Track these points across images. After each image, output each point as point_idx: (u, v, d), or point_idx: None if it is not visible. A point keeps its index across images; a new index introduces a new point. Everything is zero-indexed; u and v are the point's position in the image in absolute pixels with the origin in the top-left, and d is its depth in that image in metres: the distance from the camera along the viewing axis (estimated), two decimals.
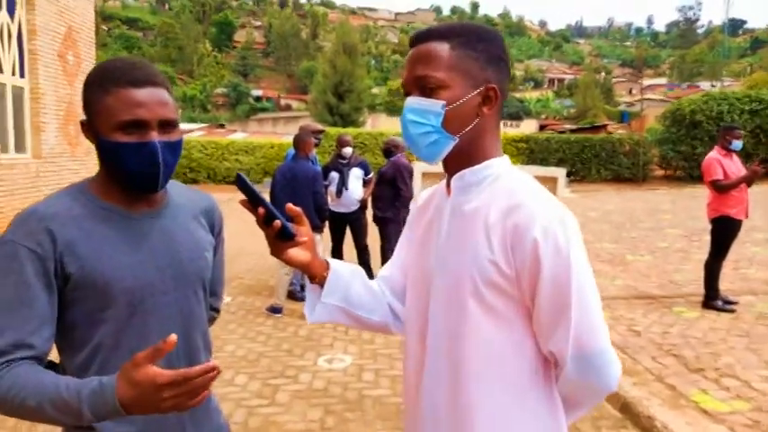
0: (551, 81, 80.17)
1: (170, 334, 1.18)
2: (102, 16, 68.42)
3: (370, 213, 6.34)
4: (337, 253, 6.53)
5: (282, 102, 64.31)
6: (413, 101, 1.12)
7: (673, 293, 5.97)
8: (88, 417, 0.98)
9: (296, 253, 1.17)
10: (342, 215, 6.36)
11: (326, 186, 6.13)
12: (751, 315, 5.16)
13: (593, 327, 1.06)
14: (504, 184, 1.13)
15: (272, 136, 26.37)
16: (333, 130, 20.00)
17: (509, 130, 31.81)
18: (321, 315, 1.25)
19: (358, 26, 71.50)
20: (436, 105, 1.10)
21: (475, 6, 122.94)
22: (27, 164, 8.18)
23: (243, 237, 7.81)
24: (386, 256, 6.03)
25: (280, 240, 1.15)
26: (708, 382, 3.76)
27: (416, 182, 14.35)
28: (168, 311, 1.22)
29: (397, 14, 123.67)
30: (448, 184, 1.21)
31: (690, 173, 20.32)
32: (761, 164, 8.67)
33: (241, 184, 1.11)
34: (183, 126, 33.82)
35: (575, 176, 21.00)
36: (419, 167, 14.72)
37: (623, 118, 42.45)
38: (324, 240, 5.95)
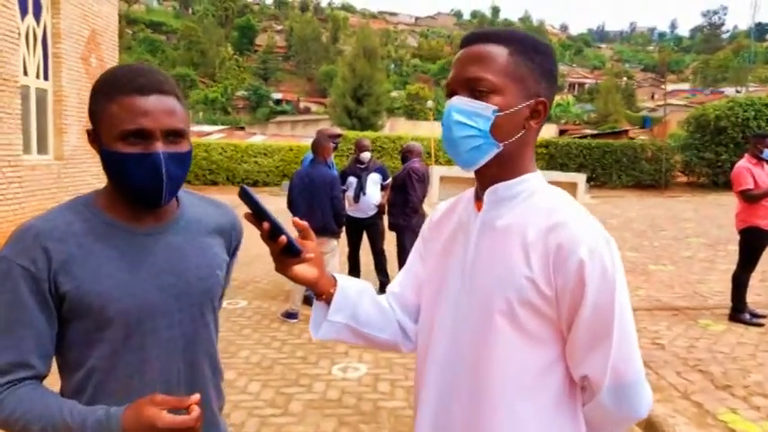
0: (572, 85, 79.49)
1: (170, 357, 1.14)
2: (127, 20, 69.57)
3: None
4: (354, 258, 6.48)
5: (302, 105, 64.65)
6: (460, 101, 1.07)
7: (698, 305, 5.80)
8: None
9: (302, 269, 1.13)
10: (359, 220, 6.31)
11: (344, 191, 6.09)
12: None
13: (631, 354, 1.04)
14: (542, 200, 1.09)
15: (291, 139, 26.48)
16: (351, 134, 20.00)
17: None
18: (327, 333, 1.20)
19: (378, 30, 71.60)
20: (487, 109, 1.05)
21: (496, 11, 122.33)
22: (49, 165, 8.28)
23: (260, 239, 7.77)
24: (402, 264, 5.95)
25: (285, 256, 1.10)
26: (736, 400, 3.62)
27: (434, 187, 14.29)
28: (169, 334, 1.15)
29: (417, 19, 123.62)
30: (477, 197, 1.15)
31: (714, 180, 19.91)
32: None
33: (246, 197, 1.06)
34: (204, 128, 34.23)
35: (595, 182, 20.73)
36: (438, 171, 14.62)
37: (645, 123, 41.87)
38: (340, 245, 5.89)
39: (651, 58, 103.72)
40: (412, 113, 44.07)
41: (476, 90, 1.05)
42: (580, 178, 17.17)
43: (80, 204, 1.15)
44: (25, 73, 7.77)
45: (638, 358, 1.05)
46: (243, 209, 1.08)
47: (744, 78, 53.73)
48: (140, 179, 1.07)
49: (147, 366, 1.13)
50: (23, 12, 7.68)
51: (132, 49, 63.19)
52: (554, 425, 1.07)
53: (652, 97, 67.56)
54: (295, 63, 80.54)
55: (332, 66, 63.13)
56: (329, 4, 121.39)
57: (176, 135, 1.10)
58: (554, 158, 21.07)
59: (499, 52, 1.06)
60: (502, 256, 1.06)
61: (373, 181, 6.35)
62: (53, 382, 1.12)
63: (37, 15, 8.03)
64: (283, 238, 1.07)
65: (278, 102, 64.91)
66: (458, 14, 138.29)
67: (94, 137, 1.12)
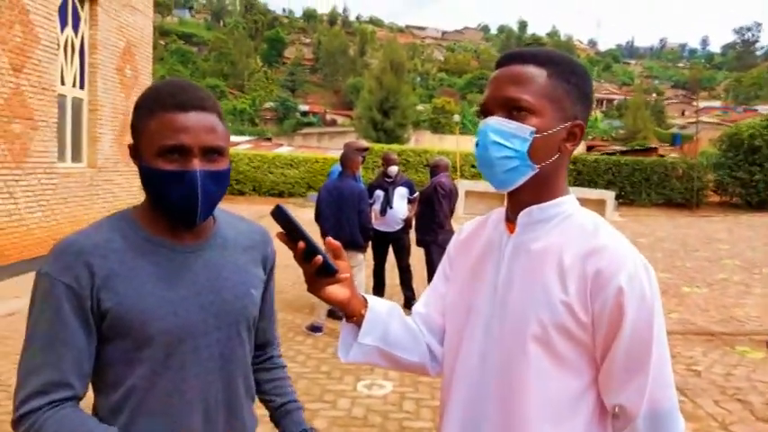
0: (600, 101, 78.81)
1: (208, 377, 1.13)
2: (160, 32, 71.26)
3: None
4: (379, 273, 6.44)
5: (328, 117, 65.25)
6: (497, 121, 1.05)
7: (734, 331, 5.60)
8: None
9: (335, 290, 1.09)
10: (385, 234, 6.27)
11: (371, 204, 6.06)
12: None
13: (667, 383, 1.02)
14: (578, 224, 1.07)
15: (317, 150, 26.67)
16: (377, 146, 20.07)
17: None
18: (357, 356, 1.17)
19: (405, 44, 72.10)
20: (525, 130, 1.04)
21: (523, 26, 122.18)
22: (82, 173, 8.45)
23: (287, 249, 7.79)
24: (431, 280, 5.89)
25: (319, 276, 1.06)
26: None
27: (459, 201, 14.20)
28: (208, 353, 1.13)
29: (444, 33, 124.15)
30: (508, 219, 1.13)
31: (747, 200, 19.42)
32: None
33: (281, 215, 1.01)
34: (231, 139, 34.55)
35: (623, 200, 20.38)
36: (463, 186, 14.53)
37: (675, 141, 41.11)
38: (366, 259, 5.86)
39: (682, 75, 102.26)
40: (437, 127, 44.08)
41: (513, 111, 1.04)
42: (608, 195, 16.92)
43: (119, 220, 1.13)
44: (62, 82, 7.97)
45: (673, 385, 1.03)
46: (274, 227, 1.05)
47: None
48: (176, 196, 1.05)
49: (186, 386, 1.11)
50: (63, 23, 7.89)
51: (164, 60, 64.65)
52: None
53: (682, 114, 66.47)
54: (322, 75, 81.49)
55: (359, 78, 63.65)
56: (357, 17, 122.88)
57: (215, 153, 1.08)
58: (582, 175, 20.80)
59: (538, 73, 1.04)
60: (536, 279, 1.04)
61: (400, 195, 6.32)
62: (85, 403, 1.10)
63: (75, 27, 8.24)
64: (319, 258, 1.03)
65: (305, 113, 65.61)
66: (485, 29, 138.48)
67: (135, 152, 1.11)
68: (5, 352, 4.46)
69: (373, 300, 1.19)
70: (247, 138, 36.60)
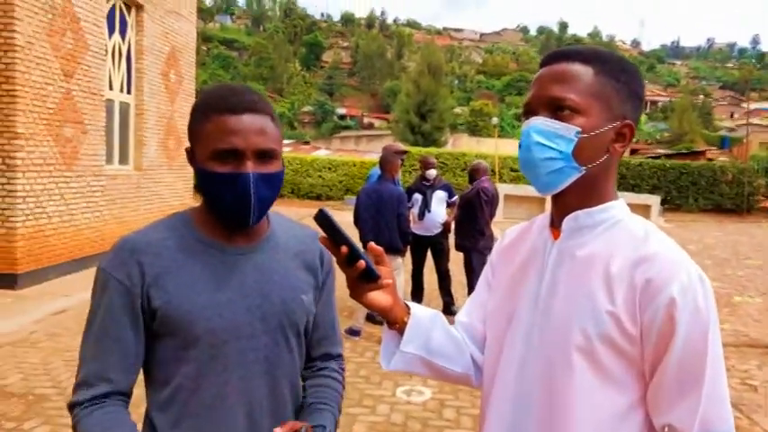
0: (644, 103, 76.76)
1: (253, 381, 1.12)
2: (203, 37, 73.06)
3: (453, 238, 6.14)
4: (417, 277, 6.39)
5: (365, 120, 65.62)
6: (541, 121, 1.01)
7: None
8: None
9: (377, 296, 1.07)
10: (423, 238, 6.22)
11: (409, 208, 6.02)
12: None
13: (722, 401, 0.94)
14: (627, 230, 1.01)
15: (354, 154, 26.83)
16: (414, 150, 20.03)
17: None
18: (398, 364, 1.14)
19: (443, 46, 71.87)
20: (570, 131, 0.99)
21: (564, 26, 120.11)
22: (129, 175, 8.69)
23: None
24: (472, 287, 5.81)
25: (362, 282, 1.04)
26: None
27: (498, 205, 14.01)
28: (253, 356, 1.12)
29: (482, 35, 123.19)
30: (552, 224, 1.08)
31: None
32: None
33: (324, 220, 1.00)
34: None
35: (669, 205, 19.75)
36: (502, 189, 14.34)
37: (723, 144, 39.72)
38: (404, 264, 5.82)
39: (731, 76, 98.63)
40: (475, 130, 43.75)
41: (558, 110, 0.99)
42: (654, 200, 16.44)
43: (176, 221, 1.16)
44: (110, 87, 8.22)
45: (729, 405, 0.96)
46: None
47: None
48: (230, 198, 1.06)
49: (230, 388, 1.11)
50: (111, 30, 8.15)
51: (206, 65, 66.26)
52: None
53: (731, 116, 64.14)
54: (360, 79, 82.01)
55: (396, 82, 63.81)
56: (395, 20, 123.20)
57: (267, 155, 1.08)
58: (625, 179, 20.26)
59: (584, 71, 1.00)
60: (581, 287, 0.99)
61: (438, 198, 6.25)
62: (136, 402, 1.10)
63: (123, 33, 8.50)
64: (362, 262, 1.01)
65: (342, 117, 66.20)
66: (524, 30, 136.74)
67: (192, 155, 1.13)
68: (57, 348, 4.60)
69: (416, 307, 1.16)
70: (286, 141, 37.14)
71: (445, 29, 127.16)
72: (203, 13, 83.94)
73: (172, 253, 1.10)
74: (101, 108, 7.74)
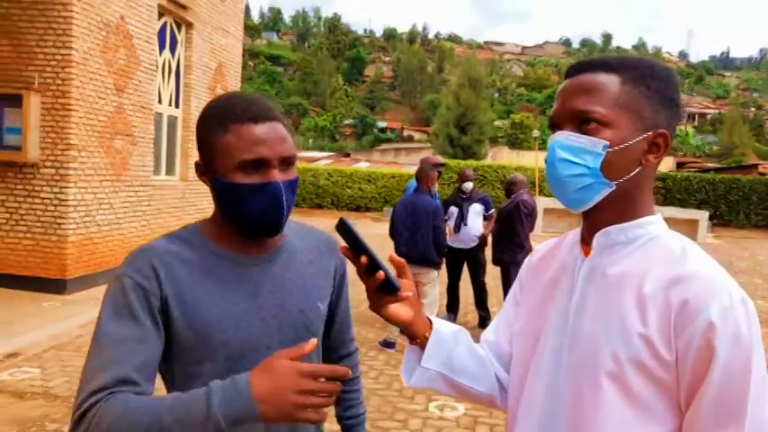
0: (691, 116, 74.40)
1: None
2: (250, 53, 75.10)
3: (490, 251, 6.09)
4: (453, 290, 6.35)
5: (405, 133, 65.87)
6: (566, 136, 0.96)
7: None
8: (215, 419, 0.87)
9: (397, 309, 1.04)
10: (459, 251, 6.20)
11: (445, 221, 6.01)
12: None
13: None
14: (663, 247, 0.95)
15: (394, 166, 26.95)
16: (453, 162, 19.98)
17: None
18: (419, 380, 1.11)
19: (484, 60, 71.61)
20: (597, 145, 0.94)
21: (607, 38, 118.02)
22: (175, 185, 8.98)
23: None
24: None
25: (381, 293, 1.03)
26: None
27: (538, 219, 13.81)
28: None
29: (523, 48, 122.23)
30: (583, 240, 1.03)
31: None
32: None
33: (344, 229, 1.00)
34: (313, 154, 35.87)
35: (718, 220, 19.04)
36: (542, 203, 14.12)
37: None
38: (440, 277, 5.80)
39: None
40: (515, 142, 43.33)
41: (584, 123, 0.95)
42: (701, 215, 15.88)
43: (189, 233, 1.13)
44: (159, 101, 8.55)
45: None
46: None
47: None
48: (260, 209, 1.05)
49: None
50: (161, 46, 8.48)
51: (253, 79, 68.01)
52: None
53: None
54: (400, 92, 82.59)
55: (436, 95, 63.92)
56: (436, 35, 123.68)
57: (289, 163, 1.08)
58: (671, 193, 19.67)
59: (609, 81, 0.95)
60: (612, 307, 0.93)
61: (475, 212, 6.22)
62: None
63: (173, 49, 8.84)
64: (381, 273, 1.00)
65: (382, 130, 66.67)
66: (566, 43, 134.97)
67: (204, 168, 1.10)
68: None
69: (439, 322, 1.12)
70: (327, 153, 37.67)
71: (486, 43, 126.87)
72: (251, 31, 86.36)
73: (188, 266, 1.07)
74: (150, 121, 8.04)
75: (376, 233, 8.51)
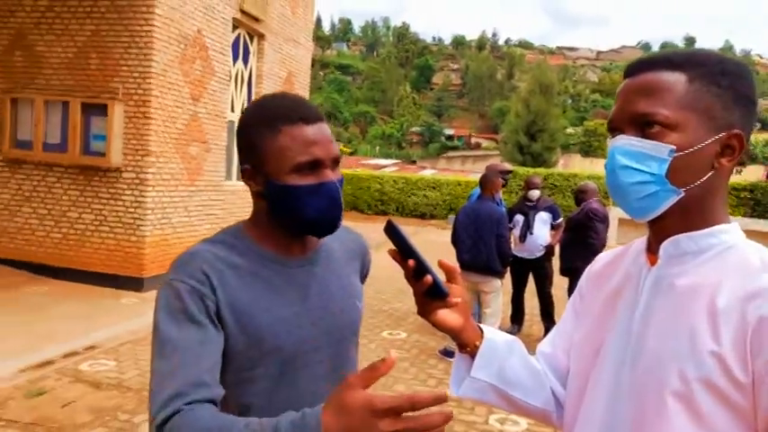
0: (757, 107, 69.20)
1: (322, 395, 0.97)
2: (321, 63, 77.05)
3: (557, 261, 5.89)
4: (517, 300, 6.19)
5: (473, 140, 65.26)
6: (627, 141, 0.89)
7: None
8: None
9: (446, 315, 1.01)
10: (524, 261, 6.03)
11: (511, 229, 5.87)
12: None
13: None
14: (739, 258, 0.87)
15: (460, 174, 26.71)
16: (521, 170, 19.56)
17: None
18: (468, 391, 1.06)
19: (556, 66, 69.90)
20: (662, 150, 0.86)
21: (690, 41, 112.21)
22: (245, 190, 9.30)
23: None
24: None
25: (430, 299, 0.99)
26: None
27: (612, 229, 13.24)
28: (321, 369, 1.11)
29: (599, 53, 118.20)
30: (649, 248, 0.95)
31: None
32: None
33: (392, 231, 0.98)
34: (379, 161, 36.22)
35: None
36: (615, 212, 13.53)
37: None
38: (504, 286, 5.66)
39: None
40: (588, 150, 41.87)
41: (646, 127, 0.87)
42: None
43: (232, 237, 1.12)
44: (232, 110, 8.90)
45: None
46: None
47: None
48: (319, 209, 1.05)
49: (301, 403, 1.05)
50: (235, 57, 8.84)
51: (322, 89, 69.69)
52: None
53: None
54: (468, 100, 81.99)
55: (505, 102, 62.95)
56: (506, 41, 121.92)
57: (337, 162, 1.09)
58: (760, 205, 18.30)
59: (674, 79, 0.87)
60: (680, 322, 0.85)
61: (542, 220, 6.04)
62: None
63: (245, 60, 9.19)
64: (429, 277, 0.96)
65: (450, 137, 66.39)
66: (645, 47, 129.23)
67: (253, 172, 1.08)
68: None
69: (491, 331, 1.07)
70: (393, 161, 37.90)
71: (559, 48, 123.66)
72: (321, 41, 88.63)
73: (236, 270, 1.06)
74: (223, 128, 8.38)
75: (442, 240, 8.44)
